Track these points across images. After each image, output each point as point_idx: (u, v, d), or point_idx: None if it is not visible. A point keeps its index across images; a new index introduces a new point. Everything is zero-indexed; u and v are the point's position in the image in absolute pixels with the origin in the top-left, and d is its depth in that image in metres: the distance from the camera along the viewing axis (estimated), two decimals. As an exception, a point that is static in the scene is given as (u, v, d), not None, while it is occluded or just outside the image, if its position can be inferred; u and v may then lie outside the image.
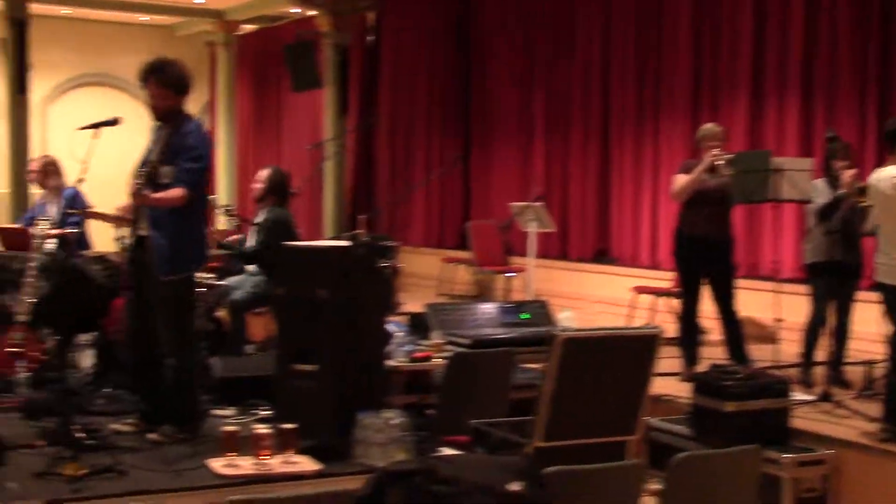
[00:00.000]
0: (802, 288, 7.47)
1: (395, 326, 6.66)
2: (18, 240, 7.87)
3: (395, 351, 6.38)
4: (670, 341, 6.98)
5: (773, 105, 9.69)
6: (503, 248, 11.68)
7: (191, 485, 4.92)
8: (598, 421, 4.95)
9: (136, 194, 5.60)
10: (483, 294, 11.90)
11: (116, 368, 6.95)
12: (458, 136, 13.69)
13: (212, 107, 17.03)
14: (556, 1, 12.12)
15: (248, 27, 16.70)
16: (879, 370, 6.52)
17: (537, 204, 10.30)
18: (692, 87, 10.44)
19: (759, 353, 7.48)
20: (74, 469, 4.88)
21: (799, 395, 6.41)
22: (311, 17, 14.58)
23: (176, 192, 5.60)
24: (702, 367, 6.90)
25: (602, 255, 11.59)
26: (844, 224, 6.93)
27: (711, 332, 7.96)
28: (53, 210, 8.16)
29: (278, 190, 7.87)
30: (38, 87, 14.19)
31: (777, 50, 9.67)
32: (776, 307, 7.20)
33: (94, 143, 5.66)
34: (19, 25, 12.77)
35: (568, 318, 7.53)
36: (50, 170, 8.43)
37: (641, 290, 9.54)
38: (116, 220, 6.35)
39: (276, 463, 5.11)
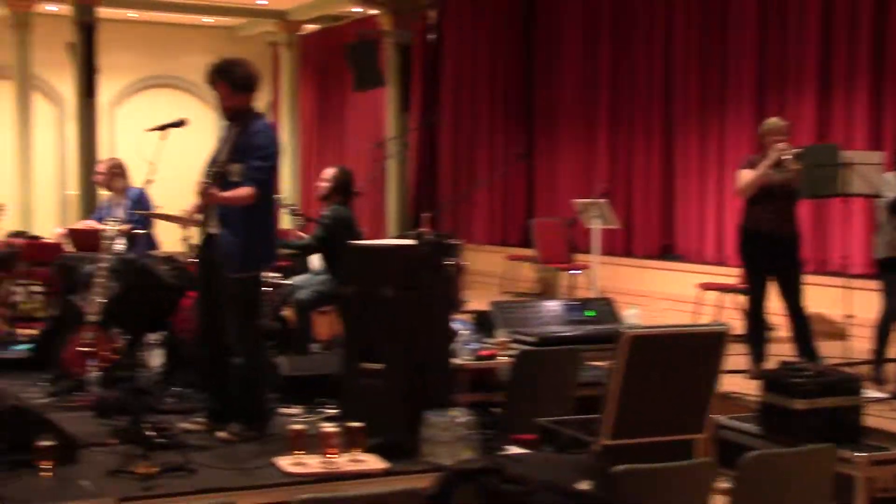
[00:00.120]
0: (873, 283, 7.36)
1: (459, 324, 6.65)
2: (88, 241, 7.98)
3: (461, 349, 6.38)
4: (737, 338, 6.91)
5: (841, 98, 9.55)
6: (567, 245, 11.64)
7: (259, 483, 4.95)
8: (665, 419, 4.90)
9: (205, 193, 5.65)
10: (547, 292, 11.87)
11: (184, 367, 7.02)
12: (521, 132, 13.66)
13: (275, 107, 17.16)
14: (618, -4, 12.07)
15: (311, 27, 16.81)
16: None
17: (602, 200, 10.24)
18: (757, 81, 10.32)
19: (829, 350, 7.38)
20: (146, 467, 4.93)
21: (871, 393, 6.31)
22: (373, 16, 14.65)
23: (244, 191, 5.64)
24: (770, 364, 6.82)
25: (667, 251, 11.50)
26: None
27: (779, 329, 7.87)
28: (120, 211, 8.26)
29: (343, 189, 7.91)
30: (106, 90, 14.39)
31: (845, 41, 9.52)
32: (846, 303, 7.10)
33: (162, 144, 5.73)
34: (88, 29, 12.94)
35: (633, 316, 7.48)
36: (116, 172, 8.52)
37: (707, 286, 9.46)
38: (182, 221, 6.41)
39: (344, 461, 5.12)
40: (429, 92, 14.55)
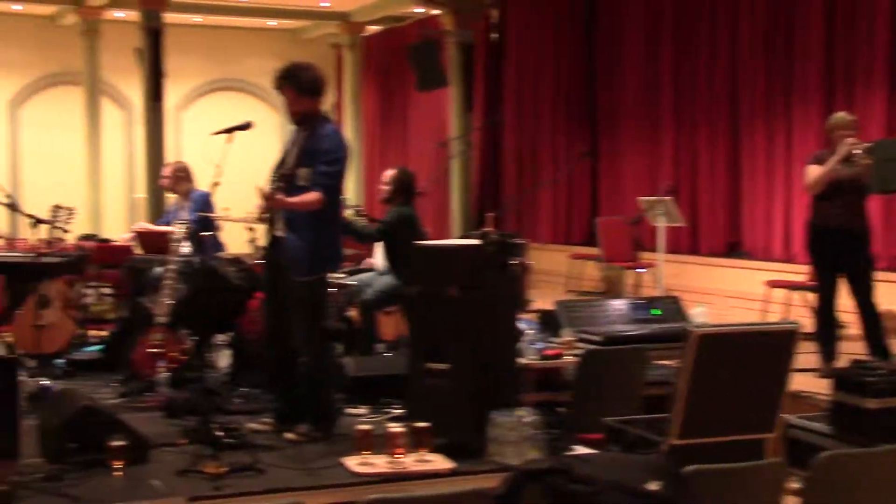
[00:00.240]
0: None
1: (525, 324, 6.64)
2: (157, 243, 8.08)
3: (526, 349, 6.36)
4: (807, 336, 6.81)
5: (911, 91, 9.39)
6: (632, 243, 11.56)
7: (327, 483, 4.98)
8: (734, 418, 4.85)
9: (272, 198, 5.69)
10: (612, 290, 11.81)
11: (251, 368, 7.08)
12: (584, 131, 13.59)
13: (338, 108, 17.24)
14: (682, -8, 11.96)
15: (373, 28, 16.86)
16: None
17: (667, 198, 10.16)
18: (824, 76, 10.16)
19: (902, 348, 7.25)
20: (215, 467, 4.99)
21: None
22: (435, 17, 14.65)
23: (312, 196, 5.67)
24: (840, 362, 6.72)
25: (734, 248, 11.38)
26: None
27: (849, 327, 7.75)
28: (184, 214, 8.36)
29: (404, 190, 7.92)
30: (172, 94, 14.56)
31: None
32: (918, 300, 6.98)
33: (228, 147, 5.78)
34: (154, 35, 13.09)
35: (700, 314, 7.41)
36: (180, 176, 8.61)
37: (775, 284, 9.34)
38: (246, 223, 6.46)
39: (410, 461, 5.13)
40: (491, 91, 14.53)
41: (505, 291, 5.76)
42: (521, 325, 6.40)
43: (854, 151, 6.96)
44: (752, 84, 10.99)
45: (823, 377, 6.74)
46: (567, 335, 6.62)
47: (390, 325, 8.16)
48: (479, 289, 5.55)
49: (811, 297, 8.00)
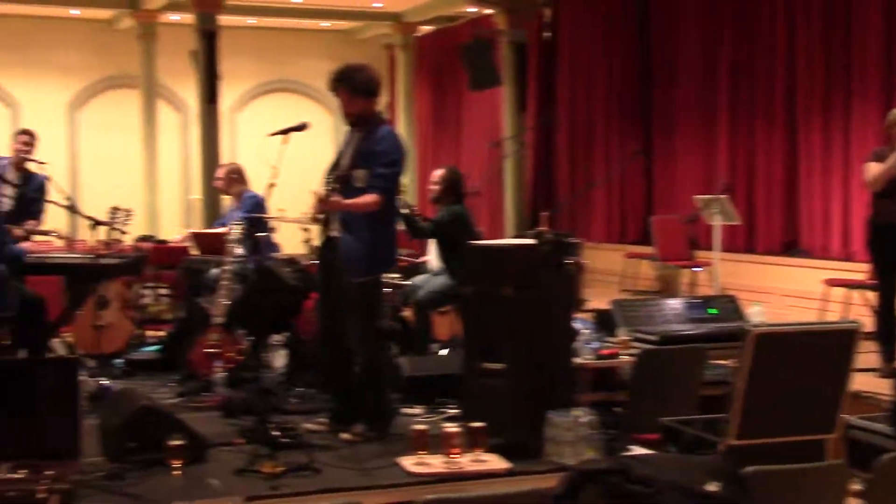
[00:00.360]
0: None
1: (580, 323, 6.61)
2: (213, 244, 8.14)
3: (582, 348, 6.34)
4: (867, 336, 6.71)
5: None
6: (688, 242, 11.48)
7: (383, 483, 4.99)
8: (794, 419, 4.79)
9: (329, 199, 5.70)
10: (667, 289, 11.72)
11: (307, 368, 7.12)
12: (638, 129, 13.50)
13: (391, 108, 17.29)
14: (737, -12, 11.85)
15: (426, 28, 16.89)
16: None
17: (723, 196, 10.07)
18: (884, 73, 10.01)
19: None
20: (272, 466, 5.02)
21: None
22: (488, 16, 14.64)
23: (370, 198, 5.68)
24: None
25: (791, 247, 11.25)
26: None
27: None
28: (237, 215, 8.41)
29: (454, 189, 7.90)
30: (227, 95, 14.66)
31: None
32: (982, 299, 6.86)
33: (284, 148, 5.80)
34: (209, 37, 13.18)
35: (758, 313, 7.33)
36: (234, 177, 8.67)
37: (834, 282, 9.23)
38: (300, 223, 6.49)
39: (466, 461, 5.13)
40: (544, 90, 14.49)
41: (560, 291, 5.74)
42: (577, 325, 6.37)
43: (914, 148, 6.86)
44: (810, 80, 10.86)
45: (884, 377, 6.65)
46: (623, 335, 6.58)
47: (445, 324, 8.17)
48: (535, 288, 5.53)
49: (871, 296, 7.89)
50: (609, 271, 12.60)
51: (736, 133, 11.83)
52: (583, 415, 5.30)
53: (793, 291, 10.30)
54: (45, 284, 7.74)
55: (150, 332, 8.81)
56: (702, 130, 12.31)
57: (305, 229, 7.19)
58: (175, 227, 14.34)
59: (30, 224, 7.71)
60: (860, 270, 9.06)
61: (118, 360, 7.81)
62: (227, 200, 9.30)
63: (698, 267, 11.13)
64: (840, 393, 4.89)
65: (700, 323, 6.93)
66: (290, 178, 7.49)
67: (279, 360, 7.42)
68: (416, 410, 6.38)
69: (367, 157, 5.75)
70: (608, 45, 13.71)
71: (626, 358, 6.31)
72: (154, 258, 9.13)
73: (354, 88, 5.83)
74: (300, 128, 5.96)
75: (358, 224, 5.72)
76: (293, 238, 7.98)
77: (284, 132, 5.90)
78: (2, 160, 7.49)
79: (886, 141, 7.19)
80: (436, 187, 7.92)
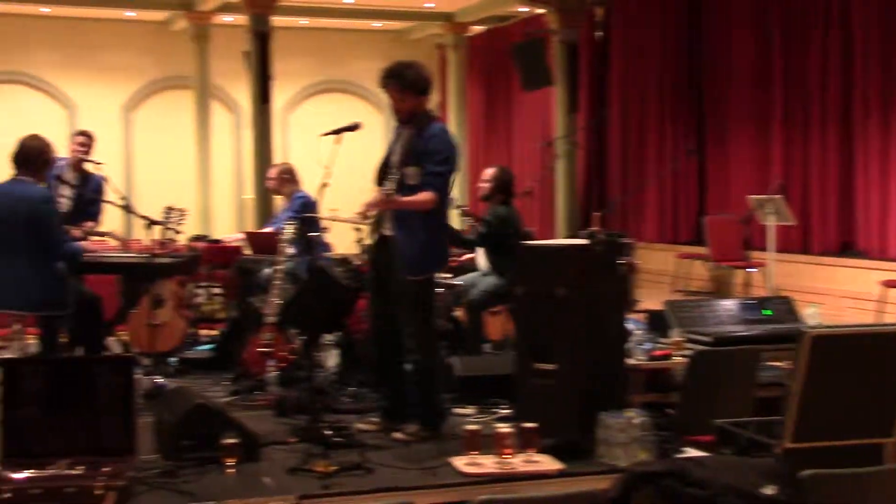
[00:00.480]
0: None
1: (633, 324, 6.57)
2: (266, 244, 8.19)
3: (634, 349, 6.30)
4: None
5: None
6: (741, 242, 11.38)
7: (435, 483, 4.99)
8: (851, 422, 4.72)
9: (387, 199, 5.68)
10: (720, 290, 11.64)
11: (359, 367, 7.14)
12: (692, 128, 13.41)
13: (443, 108, 17.29)
14: (792, -14, 11.73)
15: (478, 28, 16.88)
16: None
17: (777, 196, 9.97)
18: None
19: None
20: (324, 466, 5.03)
21: None
22: (540, 16, 14.60)
23: (426, 196, 5.69)
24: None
25: (847, 247, 11.12)
26: None
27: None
28: (288, 215, 8.45)
29: (504, 188, 7.90)
30: (279, 96, 14.75)
31: None
32: None
33: (336, 148, 5.82)
34: (262, 38, 13.26)
35: (813, 315, 7.24)
36: (285, 178, 8.71)
37: (891, 284, 9.12)
38: (351, 223, 6.50)
39: (519, 462, 5.12)
40: (597, 90, 14.43)
41: (612, 291, 5.71)
42: (629, 326, 6.33)
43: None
44: (866, 79, 10.73)
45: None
46: (676, 336, 6.53)
47: (496, 324, 8.15)
48: (587, 289, 5.51)
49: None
50: (661, 272, 12.54)
51: (790, 132, 11.71)
52: (635, 416, 5.27)
53: (849, 293, 10.19)
54: (102, 284, 7.84)
55: (203, 331, 8.87)
56: (756, 129, 12.20)
57: (358, 229, 7.21)
58: (228, 227, 14.46)
59: (88, 224, 7.79)
60: (918, 271, 8.95)
61: (172, 359, 7.89)
62: (279, 201, 9.34)
63: (752, 268, 11.04)
64: (898, 396, 4.82)
65: (754, 324, 6.85)
66: (341, 177, 7.52)
67: (331, 359, 7.44)
68: (469, 410, 6.37)
69: (419, 155, 5.75)
70: (660, 44, 13.63)
71: (680, 359, 6.26)
72: (207, 257, 9.20)
73: (404, 85, 5.83)
74: (353, 128, 5.97)
75: (412, 222, 5.72)
76: (345, 238, 8.01)
77: (337, 132, 5.92)
78: (60, 161, 7.57)
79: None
80: (485, 185, 7.92)
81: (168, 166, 16.41)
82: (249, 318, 7.51)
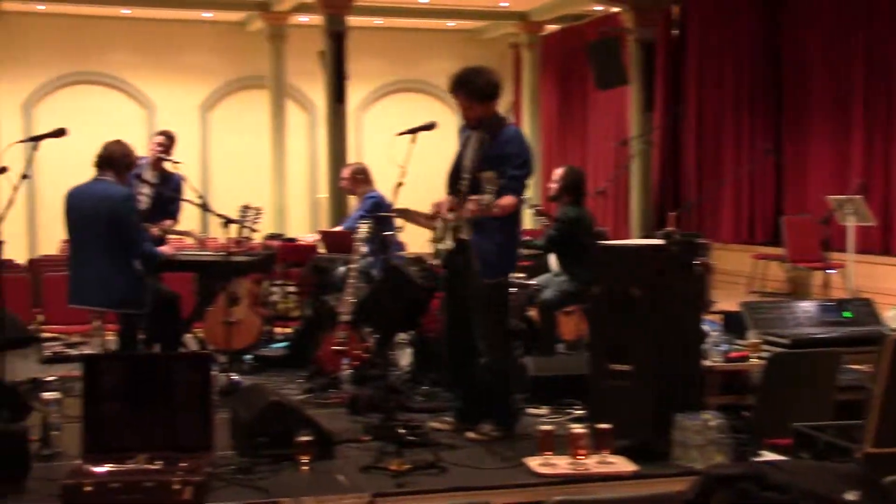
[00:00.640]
0: None
1: (708, 325, 6.50)
2: (340, 243, 8.23)
3: (710, 350, 6.22)
4: None
5: None
6: (820, 243, 11.20)
7: (509, 483, 4.98)
8: (934, 427, 4.63)
9: (481, 207, 5.58)
10: (798, 291, 11.47)
11: (432, 367, 7.15)
12: (769, 128, 13.23)
13: (517, 107, 17.28)
14: (873, -18, 11.51)
15: (552, 27, 16.83)
16: None
17: (857, 197, 9.80)
18: None
19: None
20: (398, 464, 5.05)
21: None
22: (615, 14, 14.52)
23: (508, 200, 5.65)
24: None
25: (929, 249, 10.91)
26: None
27: None
28: (359, 215, 8.47)
29: (573, 188, 7.85)
30: (353, 95, 14.83)
31: None
32: None
33: (412, 147, 5.83)
34: (338, 38, 13.34)
35: (895, 318, 7.11)
36: (359, 178, 8.75)
37: (975, 286, 8.91)
38: (424, 222, 6.50)
39: (593, 463, 5.09)
40: (672, 89, 14.30)
41: (688, 292, 5.65)
42: (705, 327, 6.26)
43: None
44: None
45: None
46: (753, 337, 6.44)
47: (570, 325, 8.11)
48: (663, 289, 5.46)
49: None
50: (737, 272, 12.39)
51: (871, 131, 11.50)
52: (712, 418, 5.21)
53: (932, 295, 9.97)
54: (179, 281, 7.94)
55: (278, 329, 8.96)
56: (835, 128, 12.01)
57: (434, 229, 7.21)
58: (302, 226, 14.57)
59: (167, 223, 7.90)
60: None
61: (247, 356, 7.96)
62: (353, 200, 9.39)
63: (831, 269, 10.86)
64: (985, 401, 4.71)
65: (834, 326, 6.73)
66: (415, 177, 7.54)
67: (405, 358, 7.46)
68: (542, 411, 6.36)
69: (495, 160, 5.70)
70: (737, 42, 13.47)
71: (756, 361, 6.18)
72: (282, 256, 9.27)
73: (472, 93, 5.79)
74: (428, 127, 5.97)
75: (490, 225, 5.69)
76: (419, 237, 8.02)
77: (413, 132, 5.93)
78: (140, 160, 7.68)
79: None
80: (555, 185, 7.88)
81: (244, 165, 16.59)
82: (324, 317, 7.56)
